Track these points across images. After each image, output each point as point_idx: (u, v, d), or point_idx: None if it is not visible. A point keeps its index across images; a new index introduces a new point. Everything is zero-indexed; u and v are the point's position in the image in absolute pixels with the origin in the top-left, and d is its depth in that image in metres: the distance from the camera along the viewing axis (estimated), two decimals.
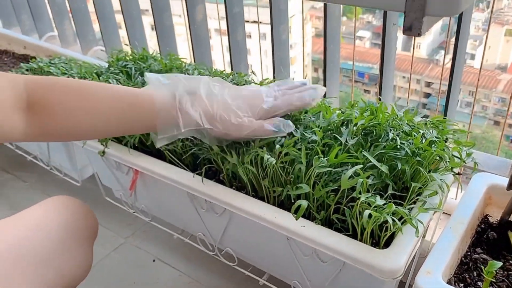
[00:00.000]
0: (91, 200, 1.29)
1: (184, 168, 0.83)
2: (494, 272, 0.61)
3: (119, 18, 1.45)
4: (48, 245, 0.64)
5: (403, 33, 0.44)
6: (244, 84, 0.91)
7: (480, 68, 1.13)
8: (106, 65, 1.05)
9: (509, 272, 0.65)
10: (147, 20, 1.47)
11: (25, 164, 1.45)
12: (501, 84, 8.42)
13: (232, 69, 1.20)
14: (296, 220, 0.67)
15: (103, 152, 0.90)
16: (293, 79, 0.90)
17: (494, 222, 0.73)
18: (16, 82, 0.59)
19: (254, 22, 1.34)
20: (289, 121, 0.71)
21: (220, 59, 1.45)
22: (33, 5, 1.63)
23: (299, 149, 0.68)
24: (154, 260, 1.15)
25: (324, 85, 1.02)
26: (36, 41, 1.54)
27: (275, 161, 0.67)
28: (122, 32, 1.49)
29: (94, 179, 1.11)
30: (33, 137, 0.62)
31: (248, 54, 1.22)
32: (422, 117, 0.78)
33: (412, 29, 0.44)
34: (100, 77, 0.98)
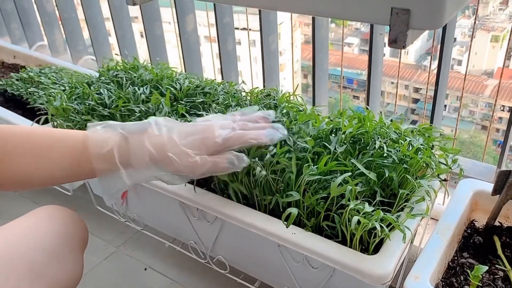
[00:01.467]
0: (83, 209, 1.28)
1: None
2: (480, 276, 0.62)
3: (109, 26, 1.46)
4: (40, 255, 0.64)
5: (389, 45, 0.46)
6: (234, 94, 0.92)
7: (466, 73, 1.15)
8: (97, 74, 1.06)
9: (495, 276, 0.66)
10: (136, 27, 1.48)
11: None
12: (488, 89, 8.54)
13: (222, 78, 1.21)
14: (287, 227, 0.68)
15: None
16: (281, 90, 0.92)
17: (480, 227, 0.75)
18: None
19: (244, 29, 1.35)
20: (243, 155, 0.66)
21: (210, 65, 1.45)
22: (23, 14, 1.64)
23: (290, 158, 0.69)
24: (146, 269, 1.15)
25: (313, 93, 1.04)
26: (26, 50, 1.54)
27: (265, 174, 0.68)
28: (112, 39, 1.50)
29: (85, 188, 1.11)
30: None
31: (238, 61, 1.23)
32: (410, 123, 0.79)
33: (397, 42, 0.45)
34: (91, 87, 0.99)
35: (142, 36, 1.46)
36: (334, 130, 0.78)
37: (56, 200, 1.36)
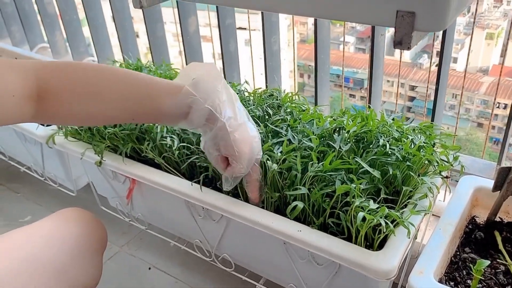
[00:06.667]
0: (87, 209, 1.29)
1: (180, 177, 0.85)
2: (483, 270, 0.64)
3: (110, 28, 1.47)
4: (62, 257, 0.65)
5: (394, 47, 0.47)
6: (237, 94, 0.93)
7: (465, 71, 1.17)
8: None
9: (497, 270, 0.68)
10: (135, 26, 1.48)
11: (18, 175, 1.45)
12: (483, 86, 8.58)
13: (225, 78, 1.22)
14: (291, 218, 0.70)
15: (100, 162, 0.92)
16: (284, 90, 0.93)
17: (481, 222, 0.77)
18: (27, 73, 0.59)
19: (242, 28, 1.36)
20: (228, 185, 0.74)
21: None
22: (24, 16, 1.64)
23: (296, 156, 0.71)
24: (150, 268, 1.16)
25: (315, 92, 1.05)
26: (27, 52, 1.55)
27: (277, 166, 0.70)
28: (114, 41, 1.50)
29: (89, 188, 1.12)
30: (41, 121, 0.63)
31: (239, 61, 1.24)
32: (407, 119, 0.81)
33: (402, 44, 0.47)
34: None
35: (137, 36, 1.46)
36: (338, 129, 0.79)
37: (60, 201, 1.37)
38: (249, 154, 0.68)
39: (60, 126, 0.99)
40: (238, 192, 0.79)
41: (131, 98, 0.64)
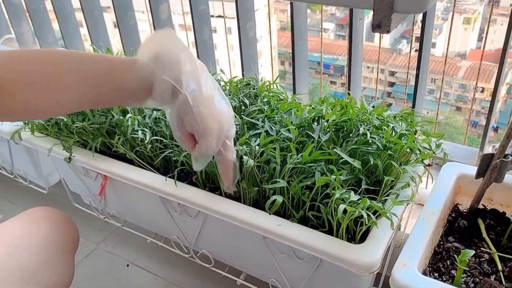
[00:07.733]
0: (59, 206, 1.24)
1: (153, 172, 0.81)
2: (467, 260, 0.62)
3: (79, 16, 1.41)
4: (32, 259, 0.63)
5: (372, 30, 0.44)
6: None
7: (446, 57, 1.15)
8: None
9: (481, 259, 0.66)
10: (108, 17, 1.43)
11: None
12: (461, 70, 8.69)
13: None
14: (270, 214, 0.67)
15: (69, 158, 0.87)
16: (261, 78, 0.90)
17: (464, 210, 0.75)
18: None
19: (219, 16, 1.32)
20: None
21: None
22: None
23: (274, 148, 0.68)
24: (128, 265, 1.12)
25: (293, 80, 1.02)
26: None
27: (253, 162, 0.67)
28: (83, 30, 1.44)
29: (61, 185, 1.08)
30: None
31: (214, 49, 1.20)
32: (387, 106, 0.79)
33: (381, 27, 0.44)
34: None
35: (114, 26, 1.40)
36: (317, 118, 0.76)
37: (32, 198, 1.32)
38: (217, 130, 0.61)
39: (25, 121, 0.94)
40: (215, 187, 0.76)
41: (87, 80, 0.58)
